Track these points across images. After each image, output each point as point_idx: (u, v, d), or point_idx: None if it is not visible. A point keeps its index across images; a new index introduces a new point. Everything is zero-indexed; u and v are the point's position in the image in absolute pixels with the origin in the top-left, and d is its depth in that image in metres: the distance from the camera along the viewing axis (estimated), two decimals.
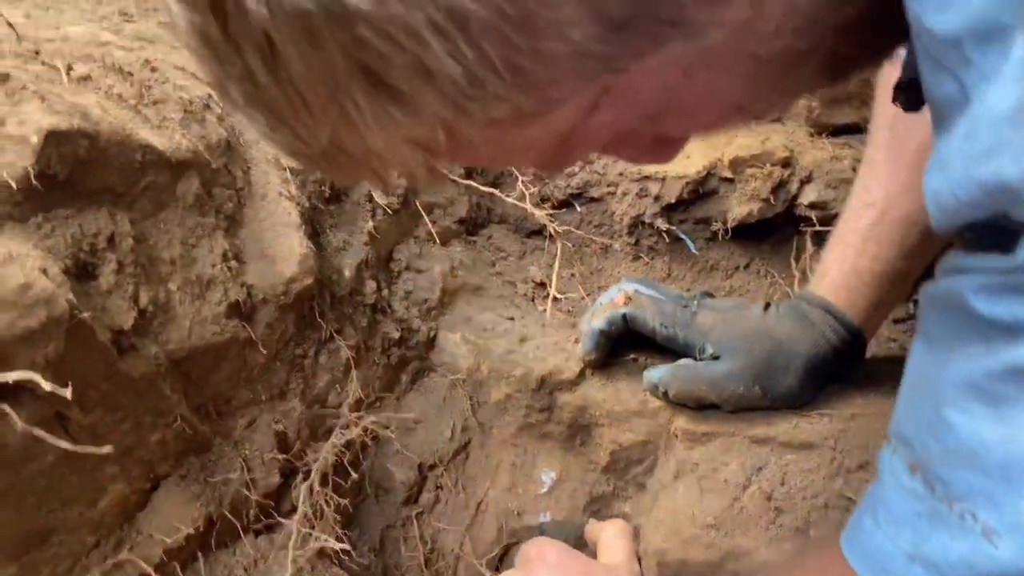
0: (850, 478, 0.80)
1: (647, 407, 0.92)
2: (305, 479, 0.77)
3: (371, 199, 0.92)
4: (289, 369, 0.82)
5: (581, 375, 0.96)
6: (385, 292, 0.93)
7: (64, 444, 0.53)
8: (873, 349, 0.98)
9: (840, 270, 0.86)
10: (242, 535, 0.74)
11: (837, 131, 1.06)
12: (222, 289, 0.72)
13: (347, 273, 0.86)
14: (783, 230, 1.09)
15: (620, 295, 0.93)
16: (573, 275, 1.12)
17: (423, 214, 0.97)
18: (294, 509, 0.78)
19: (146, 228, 0.67)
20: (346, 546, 0.74)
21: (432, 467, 0.96)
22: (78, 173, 0.60)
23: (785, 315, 0.87)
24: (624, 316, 0.91)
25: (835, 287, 0.86)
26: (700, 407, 0.88)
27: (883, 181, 0.85)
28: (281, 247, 0.78)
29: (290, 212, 0.79)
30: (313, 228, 0.83)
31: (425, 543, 0.94)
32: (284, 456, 0.78)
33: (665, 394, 0.89)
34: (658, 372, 0.90)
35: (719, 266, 1.12)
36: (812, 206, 1.01)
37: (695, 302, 0.92)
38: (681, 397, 0.87)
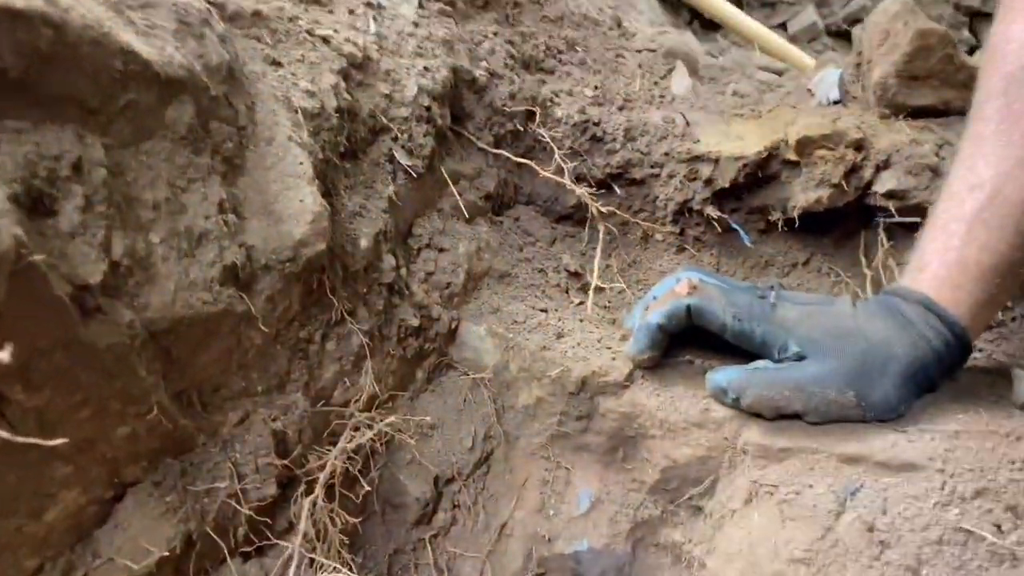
0: (966, 507, 0.67)
1: (709, 417, 0.78)
2: (308, 491, 0.62)
3: (392, 159, 0.77)
4: (291, 356, 0.67)
5: (630, 378, 0.81)
6: (404, 271, 0.78)
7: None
8: None
9: (942, 262, 0.74)
10: (228, 558, 0.59)
11: (914, 113, 0.93)
12: (216, 247, 0.57)
13: (363, 243, 0.71)
14: (848, 223, 0.97)
15: (683, 284, 0.79)
16: (608, 266, 0.98)
17: (449, 182, 0.83)
18: (291, 527, 0.63)
19: (124, 159, 0.52)
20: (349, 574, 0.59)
21: (449, 481, 0.81)
22: (37, 72, 0.45)
23: (876, 313, 0.75)
24: (688, 308, 0.77)
25: (937, 281, 0.74)
26: (777, 417, 0.75)
27: (993, 158, 0.73)
28: (289, 202, 0.63)
29: (301, 161, 0.64)
30: (325, 186, 0.68)
31: (440, 571, 0.79)
32: (282, 461, 0.63)
33: (736, 400, 0.75)
34: (727, 374, 0.76)
35: (774, 261, 0.99)
36: (889, 195, 0.89)
37: (772, 293, 0.78)
38: (758, 405, 0.74)
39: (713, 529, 0.77)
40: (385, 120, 0.78)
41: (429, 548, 0.79)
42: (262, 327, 0.60)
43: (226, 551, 0.59)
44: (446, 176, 0.83)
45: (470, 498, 0.83)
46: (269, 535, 0.61)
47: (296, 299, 0.65)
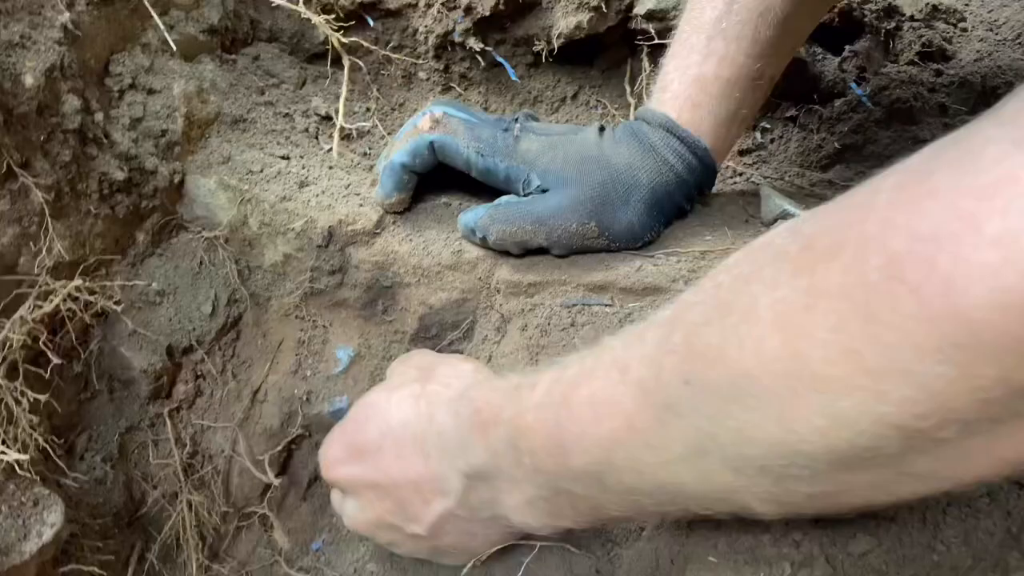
0: None
1: (462, 259, 0.74)
2: None
3: None
4: None
5: (380, 224, 0.76)
6: (99, 117, 0.67)
7: None
8: (718, 185, 0.86)
9: (682, 79, 0.71)
10: None
11: None
12: None
13: (28, 80, 0.59)
14: (615, 52, 0.93)
15: (426, 119, 0.73)
16: (368, 110, 0.91)
17: (151, 12, 0.71)
18: None
19: None
20: (24, 456, 0.52)
21: (188, 351, 0.74)
22: None
23: (622, 139, 0.72)
24: (432, 144, 0.72)
25: (678, 101, 0.71)
26: (526, 253, 0.72)
27: None
28: None
29: None
30: None
31: (183, 446, 0.73)
32: None
33: (484, 240, 0.72)
34: (475, 214, 0.72)
35: (543, 97, 0.94)
36: (650, 16, 0.85)
37: (516, 125, 0.74)
38: (503, 241, 0.70)
39: None
40: None
41: (169, 422, 0.73)
42: None
43: None
44: (147, 3, 0.71)
45: (216, 367, 0.76)
46: None
47: None
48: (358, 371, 0.78)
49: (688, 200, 0.74)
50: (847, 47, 0.90)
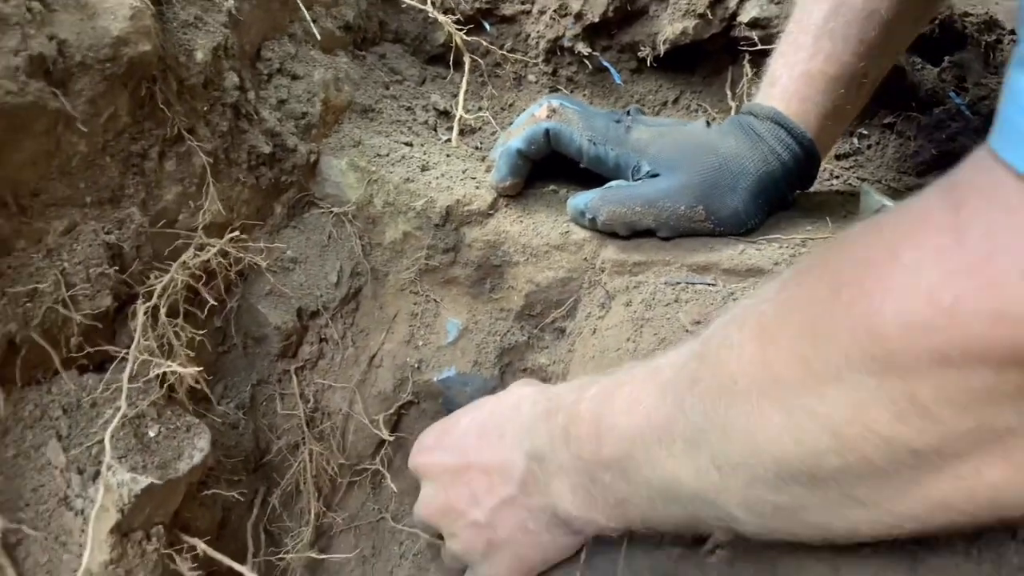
0: None
1: (569, 239, 0.79)
2: (147, 303, 0.60)
3: None
4: (123, 169, 0.63)
5: (494, 206, 0.81)
6: (251, 95, 0.74)
7: None
8: (815, 186, 0.89)
9: (790, 76, 0.75)
10: (61, 369, 0.57)
11: None
12: (19, 34, 0.52)
13: (199, 56, 0.67)
14: (717, 59, 0.97)
15: (543, 108, 0.79)
16: (481, 108, 0.97)
17: (300, 5, 0.79)
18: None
19: None
20: (194, 370, 0.58)
21: (314, 315, 0.80)
22: None
23: (729, 130, 0.76)
24: (547, 132, 0.77)
25: (785, 95, 0.75)
26: (633, 234, 0.76)
27: None
28: None
29: None
30: None
31: (307, 401, 0.79)
32: (119, 274, 0.61)
33: (592, 221, 0.76)
34: (585, 196, 0.77)
35: (645, 100, 0.99)
36: (753, 23, 0.89)
37: (628, 117, 0.79)
38: (612, 223, 0.75)
39: (573, 345, 0.79)
40: None
41: (295, 379, 0.79)
42: (83, 128, 0.57)
43: (58, 361, 0.56)
44: None
45: (338, 332, 0.82)
46: (107, 349, 0.60)
47: (124, 108, 0.61)
48: (466, 343, 0.83)
49: (792, 189, 0.77)
50: (947, 57, 0.93)
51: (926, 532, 0.41)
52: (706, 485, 0.45)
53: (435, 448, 0.65)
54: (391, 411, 0.81)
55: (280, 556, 0.72)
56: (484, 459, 0.59)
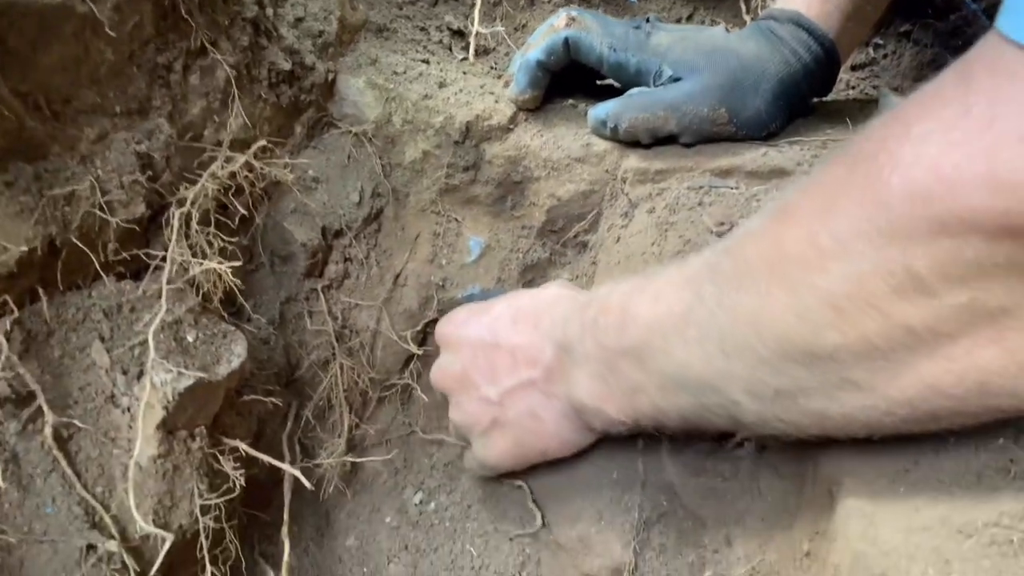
0: None
1: (591, 151, 0.79)
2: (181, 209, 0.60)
3: None
4: (150, 80, 0.63)
5: (513, 120, 0.81)
6: (270, 12, 0.74)
7: None
8: (832, 95, 0.89)
9: None
10: (101, 273, 0.58)
11: None
12: None
13: None
14: None
15: (562, 18, 0.78)
16: (495, 30, 0.96)
17: None
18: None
19: None
20: (232, 265, 0.59)
21: (338, 234, 0.81)
22: None
23: (750, 34, 0.76)
24: (567, 40, 0.77)
25: None
26: (655, 141, 0.76)
27: None
28: None
29: None
30: None
31: (335, 318, 0.80)
32: (151, 185, 0.61)
33: (614, 129, 0.76)
34: (606, 106, 0.77)
35: (659, 18, 0.98)
36: None
37: (647, 24, 0.78)
38: (634, 129, 0.75)
39: (596, 257, 0.80)
40: None
41: (323, 297, 0.80)
42: (110, 32, 0.57)
43: (97, 264, 0.57)
44: None
45: (362, 252, 0.83)
46: (142, 255, 0.60)
47: (149, 17, 0.61)
48: (488, 261, 0.84)
49: (812, 93, 0.77)
50: None
51: (915, 421, 0.42)
52: (712, 371, 0.47)
53: (467, 322, 0.67)
54: (418, 328, 0.82)
55: (316, 464, 0.73)
56: (514, 341, 0.61)
